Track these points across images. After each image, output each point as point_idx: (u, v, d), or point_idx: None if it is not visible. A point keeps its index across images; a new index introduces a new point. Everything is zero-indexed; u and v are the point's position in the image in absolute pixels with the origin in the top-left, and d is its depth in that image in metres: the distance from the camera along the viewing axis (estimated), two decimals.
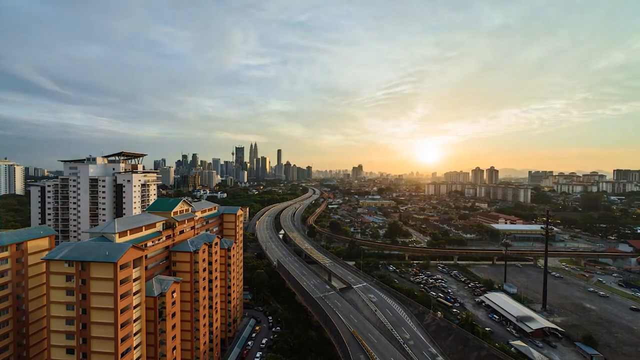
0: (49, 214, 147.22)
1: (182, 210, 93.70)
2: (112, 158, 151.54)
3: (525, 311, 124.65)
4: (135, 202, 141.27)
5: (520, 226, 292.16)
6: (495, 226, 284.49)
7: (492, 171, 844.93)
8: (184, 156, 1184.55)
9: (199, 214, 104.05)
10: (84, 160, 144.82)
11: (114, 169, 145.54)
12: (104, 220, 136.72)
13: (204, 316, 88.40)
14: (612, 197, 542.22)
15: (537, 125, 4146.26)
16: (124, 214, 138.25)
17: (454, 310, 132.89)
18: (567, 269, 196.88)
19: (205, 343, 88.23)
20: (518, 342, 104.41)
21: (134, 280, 61.81)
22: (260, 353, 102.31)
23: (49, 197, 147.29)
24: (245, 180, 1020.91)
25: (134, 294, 61.90)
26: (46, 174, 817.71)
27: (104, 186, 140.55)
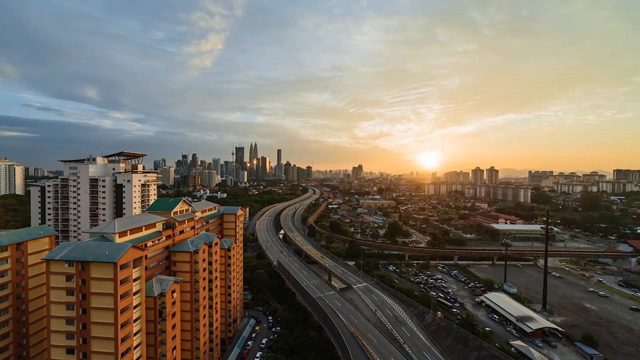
0: (49, 214, 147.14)
1: (182, 210, 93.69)
2: (112, 158, 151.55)
3: (525, 311, 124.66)
4: (135, 202, 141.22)
5: (520, 226, 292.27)
6: (495, 226, 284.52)
7: (492, 171, 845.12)
8: (184, 156, 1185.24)
9: (199, 214, 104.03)
10: (84, 160, 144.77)
11: (114, 169, 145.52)
12: (104, 220, 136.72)
13: (204, 316, 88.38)
14: (612, 197, 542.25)
15: (536, 127, 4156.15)
16: (124, 214, 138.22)
17: (454, 310, 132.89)
18: (567, 269, 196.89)
19: (205, 343, 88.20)
20: (518, 342, 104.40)
21: (134, 280, 61.77)
22: (260, 353, 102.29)
23: (49, 197, 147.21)
24: (245, 180, 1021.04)
25: (134, 294, 61.86)
26: (46, 174, 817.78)
27: (104, 186, 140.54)
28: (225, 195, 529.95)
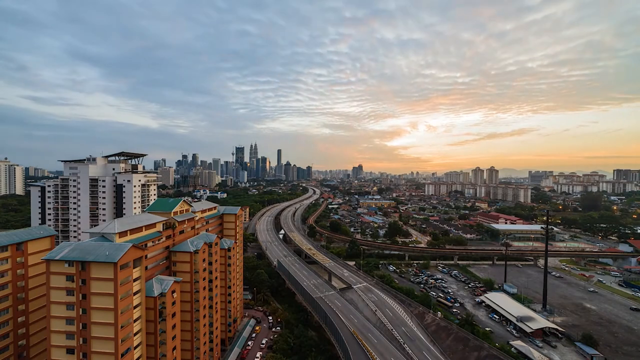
0: (49, 214, 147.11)
1: (182, 211, 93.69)
2: (112, 158, 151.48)
3: (525, 311, 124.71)
4: (135, 202, 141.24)
5: (520, 226, 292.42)
6: (496, 226, 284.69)
7: (492, 171, 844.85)
8: (184, 156, 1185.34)
9: (199, 214, 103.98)
10: (84, 160, 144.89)
11: (114, 169, 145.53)
12: (104, 220, 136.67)
13: (204, 316, 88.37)
14: (612, 197, 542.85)
15: (537, 128, 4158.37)
16: (124, 214, 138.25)
17: (454, 310, 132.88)
18: (567, 269, 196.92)
19: (205, 343, 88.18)
20: (518, 342, 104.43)
21: (134, 281, 61.73)
22: (261, 353, 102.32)
23: (49, 197, 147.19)
24: (245, 180, 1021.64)
25: (134, 294, 61.84)
26: (46, 174, 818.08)
27: (104, 186, 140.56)
28: (225, 195, 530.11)
